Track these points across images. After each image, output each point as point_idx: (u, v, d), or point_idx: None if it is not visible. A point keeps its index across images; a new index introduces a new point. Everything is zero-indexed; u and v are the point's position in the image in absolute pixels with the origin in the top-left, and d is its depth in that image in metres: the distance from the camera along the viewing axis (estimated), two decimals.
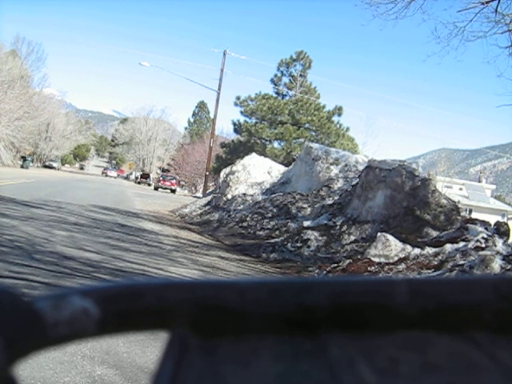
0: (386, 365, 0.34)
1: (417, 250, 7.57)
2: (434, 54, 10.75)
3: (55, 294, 0.35)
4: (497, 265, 6.39)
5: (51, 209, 11.33)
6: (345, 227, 9.78)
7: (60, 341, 0.34)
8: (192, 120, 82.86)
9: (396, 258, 7.55)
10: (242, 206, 14.16)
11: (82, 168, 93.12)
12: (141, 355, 3.35)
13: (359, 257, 8.05)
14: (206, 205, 16.99)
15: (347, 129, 33.79)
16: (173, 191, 44.26)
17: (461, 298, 0.38)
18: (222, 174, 17.09)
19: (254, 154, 17.76)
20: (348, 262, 7.82)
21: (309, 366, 0.34)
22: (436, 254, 7.27)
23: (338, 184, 12.48)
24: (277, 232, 11.15)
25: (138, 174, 67.12)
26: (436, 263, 7.02)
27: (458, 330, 0.38)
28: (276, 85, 36.08)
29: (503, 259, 6.53)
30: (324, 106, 33.54)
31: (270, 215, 12.47)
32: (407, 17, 10.12)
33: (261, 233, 11.60)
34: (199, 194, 36.47)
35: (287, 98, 34.98)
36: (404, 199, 9.21)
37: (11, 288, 0.33)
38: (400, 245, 7.81)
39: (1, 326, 0.31)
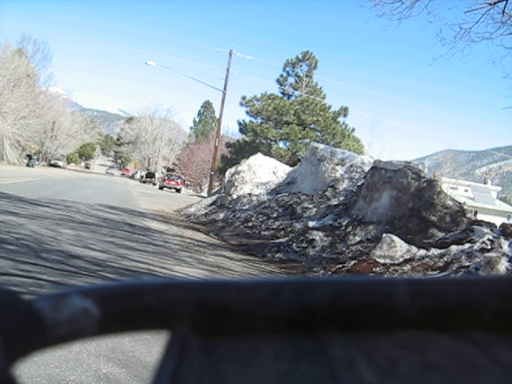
0: (386, 365, 0.34)
1: (422, 252, 7.55)
2: (441, 56, 10.74)
3: (55, 294, 0.35)
4: (502, 267, 6.37)
5: (57, 207, 11.37)
6: (350, 228, 9.76)
7: (60, 341, 0.34)
8: (197, 120, 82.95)
9: (401, 259, 7.53)
10: (247, 206, 14.16)
11: (87, 167, 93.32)
12: (146, 353, 3.35)
13: (364, 257, 8.03)
14: (211, 204, 16.99)
15: (353, 129, 33.78)
16: (178, 191, 44.31)
17: (461, 298, 0.38)
18: (228, 174, 17.09)
19: (259, 154, 17.75)
20: (353, 262, 7.80)
21: (309, 366, 0.34)
22: (441, 256, 7.25)
23: (344, 185, 12.47)
24: (282, 232, 11.14)
25: (143, 173, 67.23)
26: (441, 265, 7.00)
27: (457, 330, 0.38)
28: (282, 85, 36.06)
29: (509, 261, 6.50)
30: (330, 107, 33.54)
31: (275, 215, 12.46)
32: (412, 17, 10.12)
33: (266, 233, 11.59)
34: (204, 194, 36.49)
35: (293, 98, 34.95)
36: (409, 200, 9.19)
37: (11, 288, 0.34)
38: (405, 246, 7.79)
39: (1, 327, 0.31)
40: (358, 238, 9.36)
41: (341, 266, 7.82)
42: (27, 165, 42.15)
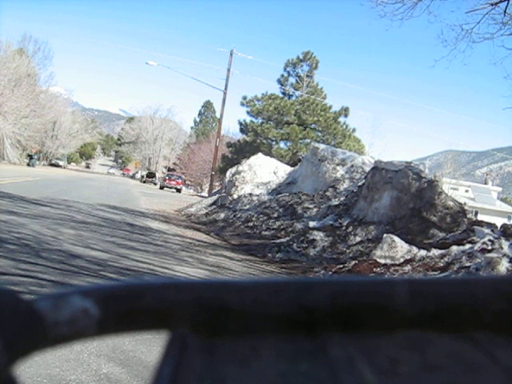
0: (386, 365, 0.34)
1: (423, 252, 7.55)
2: (442, 57, 10.75)
3: (55, 294, 0.35)
4: (503, 267, 6.36)
5: (59, 207, 11.38)
6: (350, 228, 9.76)
7: (60, 341, 0.34)
8: (198, 119, 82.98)
9: (402, 260, 7.53)
10: (247, 206, 14.16)
11: (88, 167, 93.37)
12: (147, 353, 3.35)
13: (365, 258, 8.03)
14: (211, 204, 16.99)
15: (353, 130, 33.79)
16: (178, 190, 44.32)
17: (461, 298, 0.38)
18: (228, 174, 17.09)
19: (260, 154, 17.75)
20: (354, 263, 7.80)
21: (309, 365, 0.34)
22: (442, 256, 7.24)
23: (344, 185, 12.46)
24: (282, 232, 11.14)
25: (144, 173, 67.24)
26: (442, 265, 7.00)
27: (458, 330, 0.38)
28: (282, 85, 36.06)
29: (510, 261, 6.50)
30: (330, 107, 33.55)
31: (275, 215, 12.46)
32: (413, 17, 10.13)
33: (266, 233, 11.59)
34: (205, 194, 36.50)
35: (294, 98, 34.95)
36: (410, 200, 9.18)
37: (11, 288, 0.34)
38: (406, 246, 7.79)
39: (1, 327, 0.31)
40: (358, 239, 9.35)
41: (341, 266, 7.82)
42: (28, 164, 42.16)
